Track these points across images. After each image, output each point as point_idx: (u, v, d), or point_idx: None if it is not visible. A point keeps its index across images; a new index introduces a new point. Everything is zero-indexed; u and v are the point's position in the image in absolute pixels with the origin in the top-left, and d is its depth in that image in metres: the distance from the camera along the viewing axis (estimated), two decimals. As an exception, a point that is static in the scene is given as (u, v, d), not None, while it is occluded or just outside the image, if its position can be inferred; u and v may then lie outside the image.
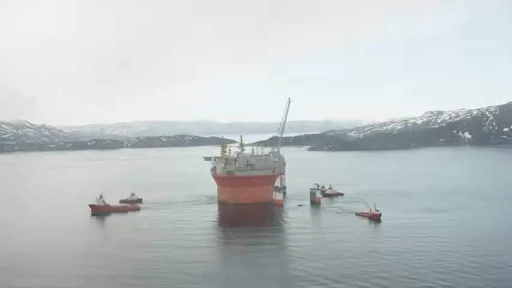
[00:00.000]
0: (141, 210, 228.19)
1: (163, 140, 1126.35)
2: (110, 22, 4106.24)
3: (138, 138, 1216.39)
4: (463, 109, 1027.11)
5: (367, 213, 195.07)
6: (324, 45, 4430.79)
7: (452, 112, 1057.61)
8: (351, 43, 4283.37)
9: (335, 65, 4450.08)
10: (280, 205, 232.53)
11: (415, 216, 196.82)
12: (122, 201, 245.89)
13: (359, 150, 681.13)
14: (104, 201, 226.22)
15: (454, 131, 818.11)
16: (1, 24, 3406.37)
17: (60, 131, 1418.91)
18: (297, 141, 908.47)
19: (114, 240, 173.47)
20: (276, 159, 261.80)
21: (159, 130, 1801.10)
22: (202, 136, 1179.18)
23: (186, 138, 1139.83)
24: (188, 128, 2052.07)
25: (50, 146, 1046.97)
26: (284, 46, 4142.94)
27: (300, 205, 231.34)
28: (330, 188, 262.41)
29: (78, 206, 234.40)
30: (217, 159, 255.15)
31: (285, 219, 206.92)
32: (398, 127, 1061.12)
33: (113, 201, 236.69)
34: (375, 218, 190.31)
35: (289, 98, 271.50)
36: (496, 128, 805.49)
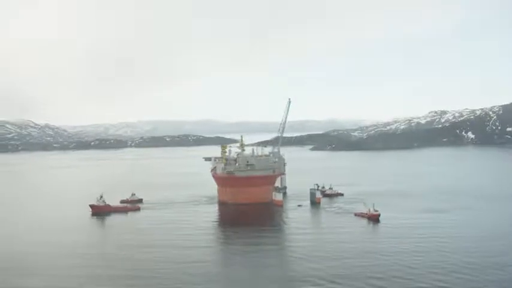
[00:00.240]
0: (141, 211, 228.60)
1: (167, 139, 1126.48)
2: (111, 22, 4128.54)
3: (141, 138, 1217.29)
4: (467, 109, 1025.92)
5: (366, 214, 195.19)
6: (325, 45, 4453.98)
7: (456, 112, 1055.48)
8: (351, 43, 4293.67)
9: (337, 65, 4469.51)
10: (280, 205, 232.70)
11: (414, 217, 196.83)
12: (122, 201, 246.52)
13: (362, 150, 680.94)
14: (104, 201, 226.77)
15: (458, 131, 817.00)
16: (4, 24, 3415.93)
17: (64, 130, 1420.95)
18: (300, 141, 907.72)
19: (114, 240, 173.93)
20: (276, 160, 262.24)
21: (163, 130, 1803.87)
22: (207, 136, 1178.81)
23: (190, 138, 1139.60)
24: (192, 127, 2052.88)
25: (54, 145, 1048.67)
26: (284, 46, 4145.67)
27: (299, 205, 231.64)
28: (330, 188, 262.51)
29: (78, 206, 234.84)
30: (217, 160, 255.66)
31: (285, 219, 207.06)
32: (402, 127, 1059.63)
33: (114, 201, 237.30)
34: (374, 219, 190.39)
35: (289, 99, 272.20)
36: (499, 127, 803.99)
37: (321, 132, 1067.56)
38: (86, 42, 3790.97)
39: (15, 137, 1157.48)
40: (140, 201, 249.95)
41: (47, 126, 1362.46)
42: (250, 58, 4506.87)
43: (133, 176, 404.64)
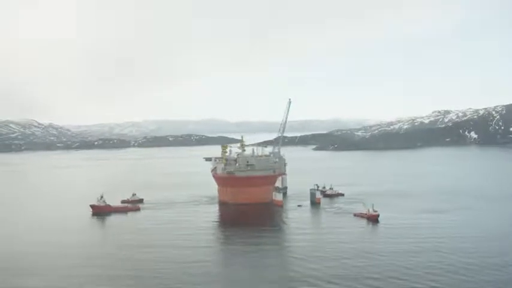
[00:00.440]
0: (141, 211, 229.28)
1: (170, 139, 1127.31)
2: (113, 22, 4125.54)
3: (145, 137, 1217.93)
4: (470, 108, 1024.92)
5: (365, 214, 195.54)
6: (325, 45, 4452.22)
7: (460, 111, 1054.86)
8: (352, 43, 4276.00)
9: (339, 65, 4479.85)
10: (280, 205, 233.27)
11: (413, 217, 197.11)
12: (123, 202, 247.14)
13: (365, 150, 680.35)
14: (104, 201, 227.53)
15: (460, 131, 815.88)
16: (7, 25, 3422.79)
17: (68, 130, 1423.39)
18: (304, 141, 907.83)
19: (114, 240, 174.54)
20: (277, 160, 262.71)
21: (167, 129, 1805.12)
22: (209, 135, 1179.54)
23: (192, 138, 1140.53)
24: (196, 127, 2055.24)
25: (58, 145, 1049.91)
26: (285, 46, 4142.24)
27: (299, 205, 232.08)
28: (330, 189, 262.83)
29: (79, 206, 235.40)
30: (217, 160, 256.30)
31: (285, 219, 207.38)
32: (405, 126, 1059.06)
33: (114, 202, 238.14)
34: (373, 219, 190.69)
35: (289, 99, 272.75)
36: (502, 127, 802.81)
37: (324, 132, 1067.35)
38: (89, 43, 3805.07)
39: (19, 137, 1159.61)
40: (141, 201, 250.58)
41: (50, 125, 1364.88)
42: (252, 58, 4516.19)
43: (134, 176, 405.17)
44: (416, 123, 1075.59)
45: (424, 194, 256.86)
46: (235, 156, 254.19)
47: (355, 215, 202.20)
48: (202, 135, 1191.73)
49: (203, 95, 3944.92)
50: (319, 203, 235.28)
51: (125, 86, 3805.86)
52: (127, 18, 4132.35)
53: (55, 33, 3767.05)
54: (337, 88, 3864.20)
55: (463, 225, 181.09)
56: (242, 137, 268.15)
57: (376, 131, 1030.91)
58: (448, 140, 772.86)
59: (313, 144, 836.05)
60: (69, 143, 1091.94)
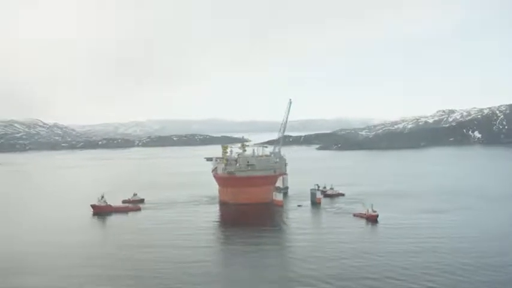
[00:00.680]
0: (142, 211, 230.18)
1: (174, 139, 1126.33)
2: (119, 22, 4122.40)
3: (149, 137, 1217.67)
4: (475, 108, 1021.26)
5: (365, 214, 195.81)
6: (329, 45, 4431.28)
7: (464, 111, 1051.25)
8: (355, 42, 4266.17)
9: (343, 64, 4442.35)
10: (280, 205, 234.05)
11: (413, 217, 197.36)
12: (124, 202, 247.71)
13: (368, 150, 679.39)
14: (105, 201, 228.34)
15: (464, 130, 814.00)
16: (11, 24, 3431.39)
17: (73, 130, 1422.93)
18: (308, 140, 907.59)
19: (114, 240, 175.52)
20: (277, 160, 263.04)
21: (172, 129, 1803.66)
22: (213, 135, 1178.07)
23: (196, 138, 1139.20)
24: (200, 126, 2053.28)
25: (62, 145, 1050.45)
26: (289, 46, 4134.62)
27: (299, 205, 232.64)
28: (331, 189, 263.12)
29: (80, 206, 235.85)
30: (218, 160, 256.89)
31: (284, 219, 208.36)
32: (410, 126, 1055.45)
33: (115, 202, 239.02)
34: (372, 219, 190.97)
35: (290, 99, 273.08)
36: (506, 127, 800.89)
37: (328, 132, 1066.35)
38: (93, 43, 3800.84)
39: (24, 136, 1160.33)
40: (142, 201, 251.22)
41: (55, 125, 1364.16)
42: (255, 57, 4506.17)
43: (137, 175, 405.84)
44: (420, 123, 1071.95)
45: (424, 194, 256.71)
46: (236, 157, 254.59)
47: (354, 215, 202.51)
48: (207, 135, 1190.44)
49: (208, 94, 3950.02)
50: (319, 203, 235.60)
51: (129, 85, 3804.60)
52: (131, 18, 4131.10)
53: (59, 33, 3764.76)
54: (342, 88, 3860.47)
55: (462, 226, 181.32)
56: (243, 136, 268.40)
57: (380, 131, 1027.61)
58: (451, 139, 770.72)
59: (318, 143, 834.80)
60: (73, 142, 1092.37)
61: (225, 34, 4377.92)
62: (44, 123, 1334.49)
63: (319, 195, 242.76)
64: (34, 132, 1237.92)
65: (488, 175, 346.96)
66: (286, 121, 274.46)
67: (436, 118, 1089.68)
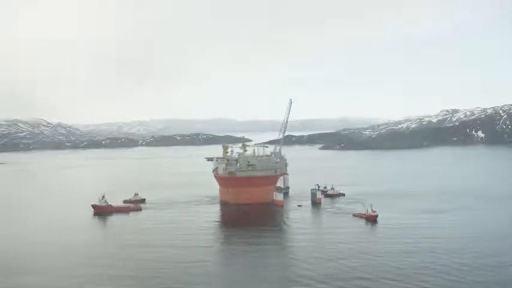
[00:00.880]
0: (142, 211, 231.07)
1: (178, 138, 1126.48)
2: (124, 22, 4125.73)
3: (152, 136, 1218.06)
4: (479, 107, 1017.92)
5: (364, 214, 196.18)
6: (333, 45, 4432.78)
7: (468, 110, 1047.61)
8: (363, 42, 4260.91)
9: (347, 64, 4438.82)
10: (280, 205, 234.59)
11: (412, 217, 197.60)
12: (125, 201, 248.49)
13: (371, 149, 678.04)
14: (106, 201, 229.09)
15: (468, 130, 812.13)
16: (16, 24, 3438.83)
17: (77, 129, 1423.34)
18: (311, 140, 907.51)
19: (114, 240, 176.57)
20: (278, 160, 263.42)
21: (176, 128, 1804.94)
22: (217, 135, 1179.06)
23: (200, 137, 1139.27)
24: (204, 126, 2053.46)
25: (66, 144, 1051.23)
26: (295, 46, 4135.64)
27: (299, 205, 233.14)
28: (331, 189, 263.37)
29: (82, 206, 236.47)
30: (219, 160, 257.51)
31: (284, 220, 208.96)
32: (413, 126, 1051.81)
33: (117, 201, 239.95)
34: (372, 219, 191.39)
35: (290, 99, 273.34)
36: (509, 126, 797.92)
37: (331, 131, 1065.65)
38: (97, 42, 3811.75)
39: (28, 136, 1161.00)
40: (143, 201, 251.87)
41: (59, 125, 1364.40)
42: (256, 58, 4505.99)
43: (139, 175, 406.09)
44: (424, 123, 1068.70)
45: (424, 194, 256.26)
46: (237, 157, 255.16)
47: (354, 215, 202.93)
48: (210, 135, 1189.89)
49: (210, 94, 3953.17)
50: (319, 203, 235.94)
51: (133, 85, 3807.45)
52: (134, 18, 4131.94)
53: (62, 33, 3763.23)
54: (346, 87, 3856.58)
55: (462, 226, 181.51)
56: (243, 136, 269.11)
57: (384, 130, 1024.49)
58: (455, 139, 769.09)
59: (321, 143, 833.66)
60: (77, 142, 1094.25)
61: (226, 34, 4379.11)
62: (48, 123, 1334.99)
63: (319, 195, 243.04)
64: (38, 131, 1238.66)
65: (490, 175, 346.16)
66: (287, 121, 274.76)
67: (440, 118, 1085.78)
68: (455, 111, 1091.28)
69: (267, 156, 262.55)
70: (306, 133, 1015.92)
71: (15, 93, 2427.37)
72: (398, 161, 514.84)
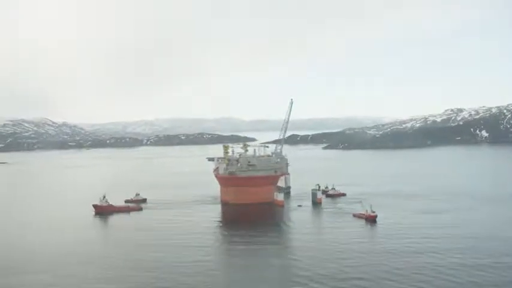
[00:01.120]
0: (143, 210, 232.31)
1: (182, 137, 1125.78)
2: (128, 21, 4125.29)
3: (157, 136, 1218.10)
4: (483, 107, 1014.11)
5: (364, 215, 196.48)
6: (343, 46, 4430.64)
7: (472, 110, 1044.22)
8: (367, 43, 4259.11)
9: (352, 64, 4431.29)
10: (281, 205, 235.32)
11: (411, 218, 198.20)
12: (126, 201, 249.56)
13: (374, 149, 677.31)
14: (107, 201, 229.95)
15: (472, 129, 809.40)
16: (21, 24, 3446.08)
17: (81, 128, 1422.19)
18: (315, 139, 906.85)
19: (115, 240, 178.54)
20: (278, 160, 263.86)
21: (181, 127, 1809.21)
22: (222, 134, 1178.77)
23: (205, 136, 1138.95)
24: (211, 125, 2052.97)
25: (70, 144, 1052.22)
26: (301, 46, 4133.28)
27: (299, 205, 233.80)
28: (332, 189, 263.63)
29: (83, 206, 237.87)
30: (220, 160, 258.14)
31: (284, 220, 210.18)
32: (418, 125, 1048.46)
33: (118, 201, 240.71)
34: (371, 220, 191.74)
35: (291, 99, 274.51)
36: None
37: (336, 131, 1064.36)
38: (103, 42, 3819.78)
39: (32, 135, 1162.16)
40: (144, 201, 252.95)
41: (64, 124, 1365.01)
42: (264, 58, 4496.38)
43: (142, 175, 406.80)
44: (428, 122, 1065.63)
45: (426, 194, 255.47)
46: (237, 156, 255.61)
47: (354, 215, 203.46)
48: (215, 134, 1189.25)
49: (216, 93, 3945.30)
50: (320, 203, 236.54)
51: (138, 84, 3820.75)
52: (141, 17, 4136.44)
53: (67, 32, 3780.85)
54: (353, 87, 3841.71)
55: (460, 226, 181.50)
56: (245, 136, 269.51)
57: (389, 130, 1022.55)
58: (458, 138, 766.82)
59: (326, 142, 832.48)
60: (81, 141, 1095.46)
61: (232, 34, 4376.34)
62: (53, 122, 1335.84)
63: (320, 195, 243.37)
64: (43, 131, 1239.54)
65: (492, 175, 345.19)
66: (288, 121, 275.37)
67: (445, 117, 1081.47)
68: (460, 110, 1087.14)
69: (267, 156, 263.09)
70: (311, 132, 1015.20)
71: (21, 93, 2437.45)
72: (400, 160, 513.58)
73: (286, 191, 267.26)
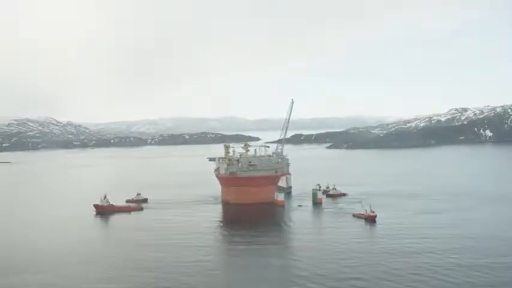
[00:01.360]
0: (144, 210, 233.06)
1: (186, 137, 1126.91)
2: (132, 21, 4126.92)
3: (161, 135, 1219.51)
4: (488, 106, 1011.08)
5: (363, 215, 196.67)
6: (344, 45, 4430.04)
7: (477, 109, 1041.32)
8: (369, 43, 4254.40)
9: (355, 64, 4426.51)
10: (281, 205, 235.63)
11: (412, 217, 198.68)
12: (128, 201, 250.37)
13: (378, 148, 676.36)
14: (107, 201, 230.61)
15: (476, 129, 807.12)
16: (24, 24, 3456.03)
17: (86, 128, 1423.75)
18: (319, 139, 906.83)
19: (115, 239, 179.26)
20: (279, 160, 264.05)
21: (185, 127, 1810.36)
22: (226, 133, 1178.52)
23: (208, 136, 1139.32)
24: (215, 125, 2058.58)
25: (74, 143, 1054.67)
26: (303, 46, 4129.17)
27: (299, 205, 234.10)
28: (333, 189, 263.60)
29: (84, 206, 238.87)
30: (220, 160, 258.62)
31: (284, 220, 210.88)
32: (422, 124, 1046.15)
33: (119, 201, 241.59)
34: (370, 220, 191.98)
35: (292, 99, 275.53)
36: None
37: (340, 130, 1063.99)
38: (108, 41, 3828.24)
39: (37, 135, 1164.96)
40: (145, 200, 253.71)
41: (69, 124, 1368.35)
42: (269, 57, 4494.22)
43: (144, 175, 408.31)
44: (433, 121, 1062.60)
45: (426, 194, 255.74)
46: (238, 156, 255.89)
47: (353, 215, 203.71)
48: (219, 133, 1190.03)
49: (217, 93, 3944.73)
50: (320, 203, 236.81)
51: (139, 84, 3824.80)
52: (146, 18, 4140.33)
53: (72, 32, 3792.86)
54: (358, 86, 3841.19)
55: (460, 226, 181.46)
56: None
57: (393, 129, 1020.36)
58: (462, 138, 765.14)
59: (330, 142, 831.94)
60: (86, 141, 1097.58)
61: (228, 34, 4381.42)
62: (58, 122, 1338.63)
63: (320, 195, 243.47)
64: (47, 130, 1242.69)
65: (493, 175, 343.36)
66: (289, 121, 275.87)
67: (449, 116, 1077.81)
68: (465, 109, 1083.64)
69: (268, 156, 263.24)
70: (315, 132, 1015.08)
71: (25, 92, 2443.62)
72: (404, 160, 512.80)
73: (288, 191, 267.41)
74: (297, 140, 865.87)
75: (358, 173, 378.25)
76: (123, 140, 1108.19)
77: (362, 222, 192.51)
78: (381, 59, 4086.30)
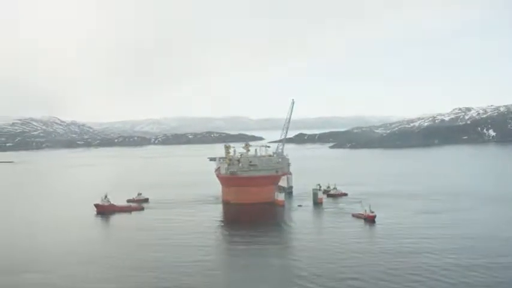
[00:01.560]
0: (145, 210, 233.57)
1: (190, 136, 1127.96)
2: (136, 20, 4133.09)
3: (165, 135, 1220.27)
4: (492, 106, 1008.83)
5: (363, 215, 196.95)
6: (345, 45, 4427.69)
7: (480, 109, 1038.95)
8: (370, 43, 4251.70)
9: (358, 63, 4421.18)
10: (281, 205, 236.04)
11: (411, 217, 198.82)
12: (128, 201, 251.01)
13: (381, 148, 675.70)
14: (108, 200, 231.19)
15: (479, 129, 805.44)
16: (27, 23, 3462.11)
17: (90, 127, 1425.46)
18: (322, 138, 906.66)
19: (115, 239, 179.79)
20: (280, 160, 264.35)
21: (189, 126, 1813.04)
22: (230, 133, 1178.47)
23: (212, 136, 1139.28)
24: (219, 124, 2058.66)
25: (78, 142, 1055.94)
26: (305, 46, 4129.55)
27: (299, 205, 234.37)
28: (334, 189, 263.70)
29: (85, 205, 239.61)
30: (221, 160, 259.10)
31: (284, 220, 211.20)
32: (426, 124, 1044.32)
33: (120, 201, 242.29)
34: (370, 220, 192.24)
35: (292, 99, 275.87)
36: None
37: (343, 129, 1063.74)
38: (111, 41, 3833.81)
39: (41, 134, 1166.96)
40: (146, 200, 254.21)
41: (72, 123, 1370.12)
42: (269, 57, 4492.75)
43: (146, 174, 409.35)
44: (437, 121, 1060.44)
45: (426, 194, 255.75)
46: (239, 156, 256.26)
47: (353, 215, 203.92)
48: (222, 133, 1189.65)
49: (217, 93, 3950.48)
50: (321, 203, 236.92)
51: (139, 84, 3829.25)
52: (149, 17, 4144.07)
53: (80, 31, 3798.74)
54: (361, 86, 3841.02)
55: (459, 226, 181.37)
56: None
57: (396, 129, 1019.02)
58: (465, 137, 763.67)
59: (333, 142, 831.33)
60: (90, 140, 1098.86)
61: (228, 34, 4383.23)
62: (62, 121, 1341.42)
63: (320, 195, 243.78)
64: (51, 130, 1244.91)
65: (496, 175, 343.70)
66: (289, 121, 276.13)
67: (453, 116, 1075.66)
68: (468, 109, 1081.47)
69: (268, 156, 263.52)
70: (319, 131, 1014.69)
71: (29, 92, 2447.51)
72: (407, 159, 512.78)
73: (288, 191, 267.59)
74: (300, 139, 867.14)
75: (360, 172, 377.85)
76: (127, 139, 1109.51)
77: (361, 222, 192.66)
78: (381, 59, 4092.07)
